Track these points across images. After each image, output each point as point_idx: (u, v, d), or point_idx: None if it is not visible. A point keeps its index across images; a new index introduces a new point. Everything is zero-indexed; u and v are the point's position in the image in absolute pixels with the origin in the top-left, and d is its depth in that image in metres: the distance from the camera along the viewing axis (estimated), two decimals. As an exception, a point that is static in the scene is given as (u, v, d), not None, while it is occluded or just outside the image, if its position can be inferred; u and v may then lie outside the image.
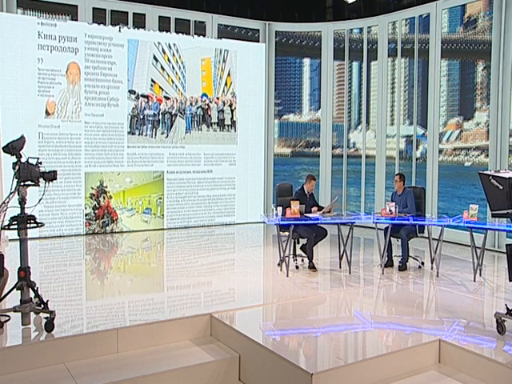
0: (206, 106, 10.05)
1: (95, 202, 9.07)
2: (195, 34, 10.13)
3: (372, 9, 10.51)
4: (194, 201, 10.02)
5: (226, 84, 10.28)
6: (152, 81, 9.53)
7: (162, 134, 9.67)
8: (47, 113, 8.64)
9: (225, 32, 10.71)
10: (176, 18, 10.01)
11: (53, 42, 8.70)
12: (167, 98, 9.69)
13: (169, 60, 9.69)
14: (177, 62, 9.77)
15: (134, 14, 9.63)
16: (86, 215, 8.99)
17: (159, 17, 9.82)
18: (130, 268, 7.24)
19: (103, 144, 9.11)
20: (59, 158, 8.75)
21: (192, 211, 9.99)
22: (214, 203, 10.23)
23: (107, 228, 9.13)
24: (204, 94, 10.04)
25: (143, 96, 9.46)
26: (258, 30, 10.92)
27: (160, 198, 9.66)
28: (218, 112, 10.19)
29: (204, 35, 10.17)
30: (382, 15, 10.21)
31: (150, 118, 9.52)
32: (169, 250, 8.53)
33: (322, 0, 11.43)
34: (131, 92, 9.34)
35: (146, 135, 9.51)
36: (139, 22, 9.67)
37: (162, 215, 9.69)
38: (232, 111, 10.34)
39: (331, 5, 11.41)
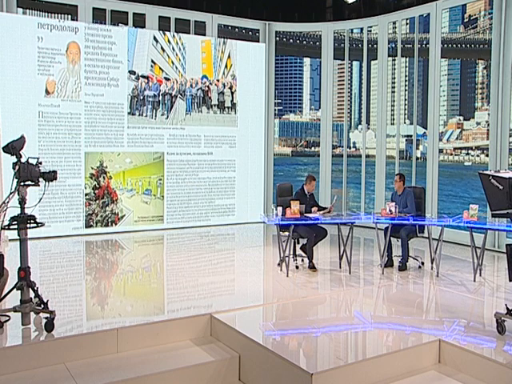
0: (206, 88, 10.04)
1: (95, 182, 9.08)
2: (195, 33, 10.14)
3: (372, 9, 10.50)
4: (194, 183, 10.01)
5: (226, 66, 10.27)
6: (152, 62, 9.54)
7: (162, 115, 9.67)
8: (47, 92, 8.64)
9: (225, 32, 10.70)
10: (176, 18, 10.01)
11: (53, 21, 8.72)
12: (167, 79, 9.69)
13: (169, 41, 9.71)
14: (177, 43, 9.78)
15: (133, 13, 9.63)
16: (85, 195, 9.00)
17: (159, 17, 9.83)
18: (130, 269, 7.23)
19: (103, 124, 9.12)
20: (59, 138, 8.76)
21: (192, 193, 9.98)
22: (214, 185, 10.22)
23: (107, 208, 9.13)
24: (204, 76, 10.04)
25: (143, 77, 9.46)
26: (258, 30, 10.92)
27: (160, 180, 9.66)
28: (218, 94, 10.18)
29: (204, 35, 10.18)
30: (382, 15, 10.21)
31: (150, 99, 9.52)
32: (169, 249, 8.54)
33: (321, 0, 11.42)
34: (131, 72, 9.34)
35: (146, 116, 9.51)
36: (139, 21, 9.67)
37: (162, 196, 9.69)
38: (232, 93, 10.33)
39: (331, 5, 11.40)
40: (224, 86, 10.22)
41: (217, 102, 10.17)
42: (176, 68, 9.75)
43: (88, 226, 9.00)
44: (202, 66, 10.04)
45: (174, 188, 9.80)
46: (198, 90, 9.92)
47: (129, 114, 9.34)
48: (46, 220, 8.31)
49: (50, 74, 8.65)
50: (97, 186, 9.09)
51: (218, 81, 10.16)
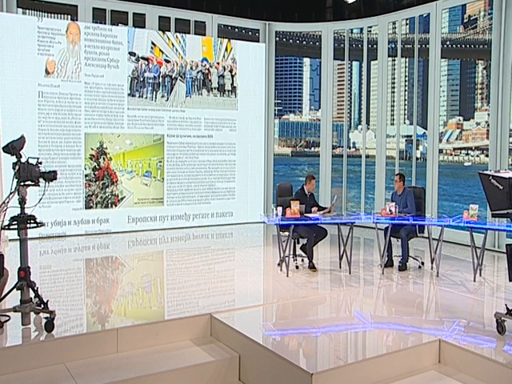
0: (207, 71, 10.03)
1: (95, 163, 9.08)
2: (195, 33, 10.14)
3: (372, 9, 10.51)
4: (195, 165, 10.01)
5: (226, 49, 10.27)
6: (152, 43, 9.54)
7: (163, 97, 9.66)
8: (47, 72, 8.63)
9: (225, 32, 10.70)
10: (176, 18, 10.01)
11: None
12: (167, 62, 9.68)
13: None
14: None
15: (133, 13, 9.63)
16: (85, 176, 9.00)
17: (159, 17, 9.82)
18: (130, 270, 7.23)
19: (103, 105, 9.11)
20: (59, 118, 8.75)
21: (192, 176, 9.98)
22: (214, 168, 10.21)
23: (107, 189, 9.14)
24: (204, 59, 10.03)
25: (143, 58, 9.46)
26: (258, 30, 10.92)
27: (160, 162, 9.65)
28: (219, 77, 10.16)
29: (204, 35, 10.18)
30: (382, 15, 10.21)
31: (151, 81, 9.52)
32: (169, 249, 8.53)
33: (321, 0, 11.42)
34: (131, 54, 9.33)
35: (147, 98, 9.50)
36: (139, 21, 9.67)
37: (162, 179, 9.69)
38: (232, 77, 10.31)
39: (331, 5, 11.40)
40: (224, 69, 10.21)
41: (217, 85, 10.16)
42: (176, 50, 9.75)
43: (88, 207, 9.01)
44: (202, 49, 10.05)
45: (174, 170, 9.80)
46: (198, 72, 9.91)
47: (129, 95, 9.34)
48: (45, 201, 8.35)
49: (49, 54, 8.65)
50: (97, 167, 9.09)
51: (218, 64, 10.15)
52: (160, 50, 9.60)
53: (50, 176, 4.48)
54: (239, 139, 10.47)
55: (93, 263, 7.39)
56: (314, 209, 6.78)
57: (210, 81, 10.07)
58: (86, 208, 8.99)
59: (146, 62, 9.47)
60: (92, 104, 9.01)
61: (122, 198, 9.31)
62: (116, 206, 9.25)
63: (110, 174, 9.18)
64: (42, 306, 4.42)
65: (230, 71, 10.28)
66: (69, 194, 8.85)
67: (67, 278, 6.47)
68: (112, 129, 9.19)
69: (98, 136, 9.08)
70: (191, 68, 9.84)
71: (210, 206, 10.15)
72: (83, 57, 8.90)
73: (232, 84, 10.30)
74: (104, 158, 9.11)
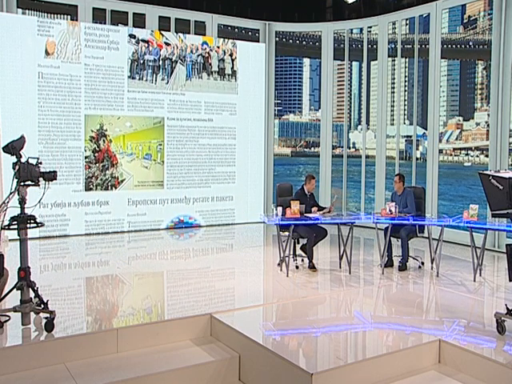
0: (207, 55, 10.03)
1: (95, 145, 9.07)
2: (195, 33, 10.14)
3: (372, 9, 10.51)
4: (195, 149, 10.00)
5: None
6: None
7: (163, 79, 9.66)
8: (47, 53, 8.62)
9: (225, 32, 10.69)
10: (176, 18, 10.01)
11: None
12: (167, 44, 9.68)
13: None
14: None
15: (134, 13, 9.64)
16: (85, 158, 9.00)
17: (159, 17, 9.83)
18: (131, 267, 7.22)
19: (103, 87, 9.10)
20: (59, 99, 8.75)
21: (192, 159, 9.97)
22: (214, 152, 10.20)
23: (107, 172, 9.13)
24: (204, 42, 10.04)
25: (143, 41, 9.46)
26: (258, 30, 10.92)
27: (160, 145, 9.65)
28: (219, 61, 10.16)
29: (204, 35, 10.18)
30: (382, 15, 10.21)
31: (151, 64, 9.51)
32: (169, 249, 8.52)
33: (321, 0, 11.42)
34: (131, 36, 9.33)
35: (147, 80, 9.50)
36: (139, 21, 9.68)
37: (162, 162, 9.69)
38: (232, 61, 10.30)
39: (331, 5, 11.41)
40: (224, 53, 10.20)
41: (217, 69, 10.15)
42: (176, 33, 9.76)
43: (88, 189, 9.01)
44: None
45: (174, 153, 9.80)
46: (198, 56, 9.91)
47: (129, 77, 9.33)
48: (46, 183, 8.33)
49: (49, 35, 8.64)
50: (97, 149, 9.09)
51: (218, 47, 10.14)
52: (160, 32, 9.61)
53: (50, 176, 4.48)
54: (239, 123, 10.46)
55: (93, 263, 7.38)
56: (314, 209, 6.79)
57: (210, 64, 10.06)
58: (86, 190, 9.00)
59: (146, 45, 9.47)
60: (92, 86, 9.00)
61: (122, 181, 9.31)
62: (116, 188, 9.26)
63: (110, 157, 9.18)
64: (42, 306, 4.42)
65: (230, 55, 10.27)
66: (69, 176, 8.85)
67: (67, 277, 6.47)
68: (112, 111, 9.18)
69: (98, 118, 9.08)
70: (191, 51, 9.84)
71: (210, 190, 10.14)
72: (83, 38, 8.89)
73: (232, 68, 10.30)
74: (104, 140, 9.11)
